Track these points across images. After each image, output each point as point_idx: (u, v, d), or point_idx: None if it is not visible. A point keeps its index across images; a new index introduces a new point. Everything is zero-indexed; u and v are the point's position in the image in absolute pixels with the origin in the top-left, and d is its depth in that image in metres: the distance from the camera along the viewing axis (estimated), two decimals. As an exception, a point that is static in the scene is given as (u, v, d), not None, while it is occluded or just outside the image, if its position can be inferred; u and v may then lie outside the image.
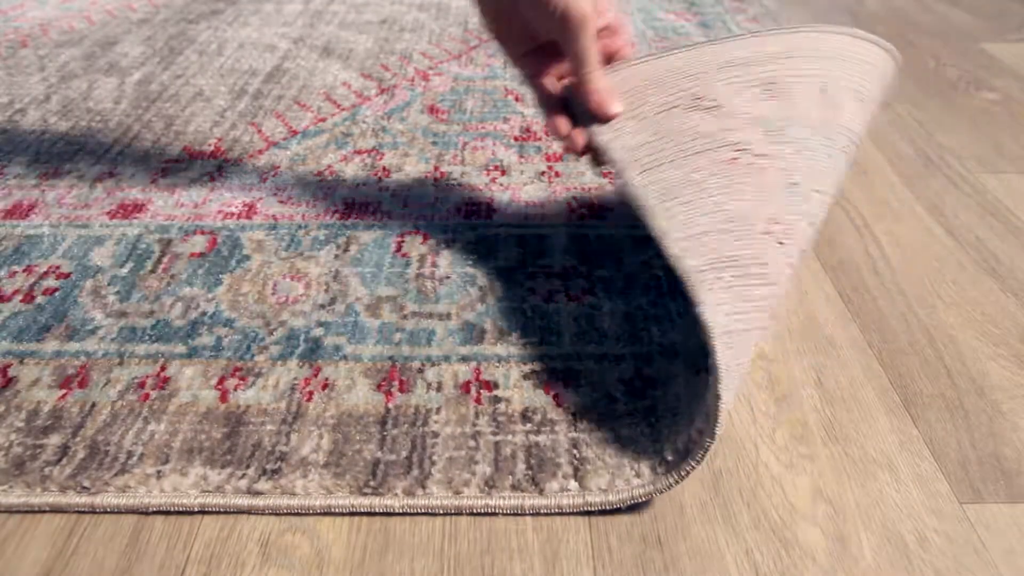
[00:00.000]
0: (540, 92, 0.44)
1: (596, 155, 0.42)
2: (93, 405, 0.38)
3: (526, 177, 0.57)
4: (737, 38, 0.44)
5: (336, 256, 0.48)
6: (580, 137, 0.41)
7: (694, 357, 0.40)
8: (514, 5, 0.40)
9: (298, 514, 0.33)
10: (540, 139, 0.63)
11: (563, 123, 0.42)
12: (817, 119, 0.40)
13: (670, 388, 0.38)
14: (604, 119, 0.41)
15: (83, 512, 0.33)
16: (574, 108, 0.42)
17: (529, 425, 0.37)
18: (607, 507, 0.33)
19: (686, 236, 0.35)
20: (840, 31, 0.44)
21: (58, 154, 0.61)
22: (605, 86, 0.41)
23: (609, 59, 0.44)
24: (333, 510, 0.33)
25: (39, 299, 0.45)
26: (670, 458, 0.33)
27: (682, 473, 0.32)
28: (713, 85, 0.41)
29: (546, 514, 0.33)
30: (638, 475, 0.34)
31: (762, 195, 0.36)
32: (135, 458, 0.35)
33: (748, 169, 0.37)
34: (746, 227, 0.35)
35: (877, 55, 0.45)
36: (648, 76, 0.42)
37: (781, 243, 0.35)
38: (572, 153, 0.42)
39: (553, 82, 0.44)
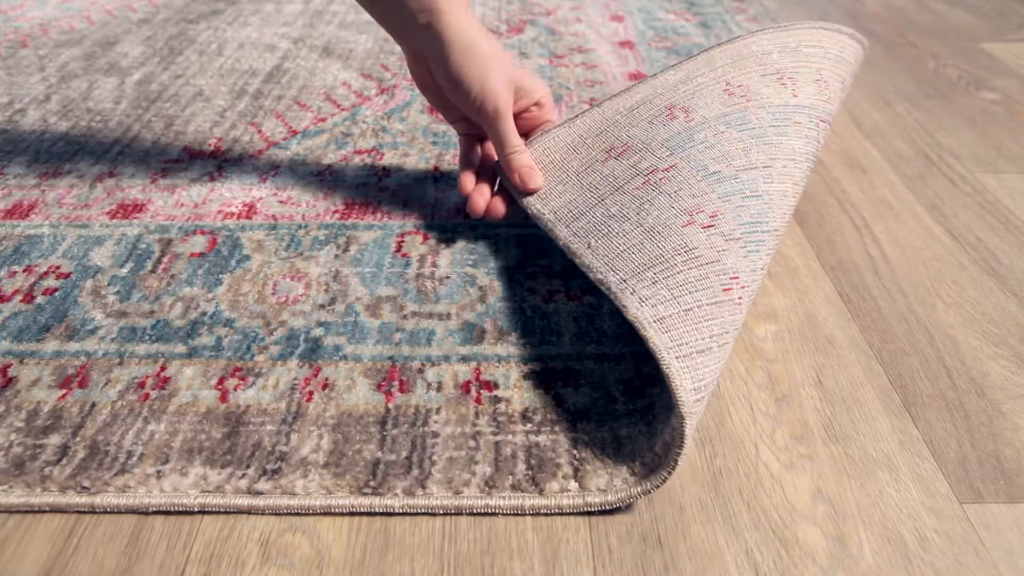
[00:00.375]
0: (463, 151, 0.50)
1: (502, 215, 0.48)
2: (93, 405, 0.38)
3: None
4: (637, 84, 0.50)
5: (336, 256, 0.48)
6: (481, 200, 0.47)
7: None
8: (446, 89, 0.45)
9: (298, 514, 0.33)
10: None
11: (468, 182, 0.48)
12: (725, 112, 0.44)
13: (666, 387, 0.38)
14: (529, 193, 0.46)
15: (83, 512, 0.33)
16: (504, 182, 0.48)
17: (529, 425, 0.37)
18: (606, 507, 0.33)
19: (607, 261, 0.38)
20: (758, 32, 0.50)
21: (58, 154, 0.61)
22: (525, 164, 0.46)
23: (533, 131, 0.50)
24: (333, 510, 0.33)
25: (39, 299, 0.45)
26: (659, 452, 0.33)
27: (670, 464, 0.32)
28: (620, 132, 0.47)
29: (546, 514, 0.33)
30: (634, 473, 0.34)
31: (676, 195, 0.40)
32: (135, 458, 0.35)
33: (659, 182, 0.41)
34: (663, 228, 0.38)
35: (804, 36, 0.50)
36: (567, 143, 0.48)
37: (711, 225, 0.37)
38: (472, 213, 0.48)
39: (477, 151, 0.50)
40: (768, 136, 0.42)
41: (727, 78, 0.47)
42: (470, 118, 0.47)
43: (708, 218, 0.38)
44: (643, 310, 0.34)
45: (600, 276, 0.38)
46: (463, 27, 0.43)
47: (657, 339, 0.33)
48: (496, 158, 0.48)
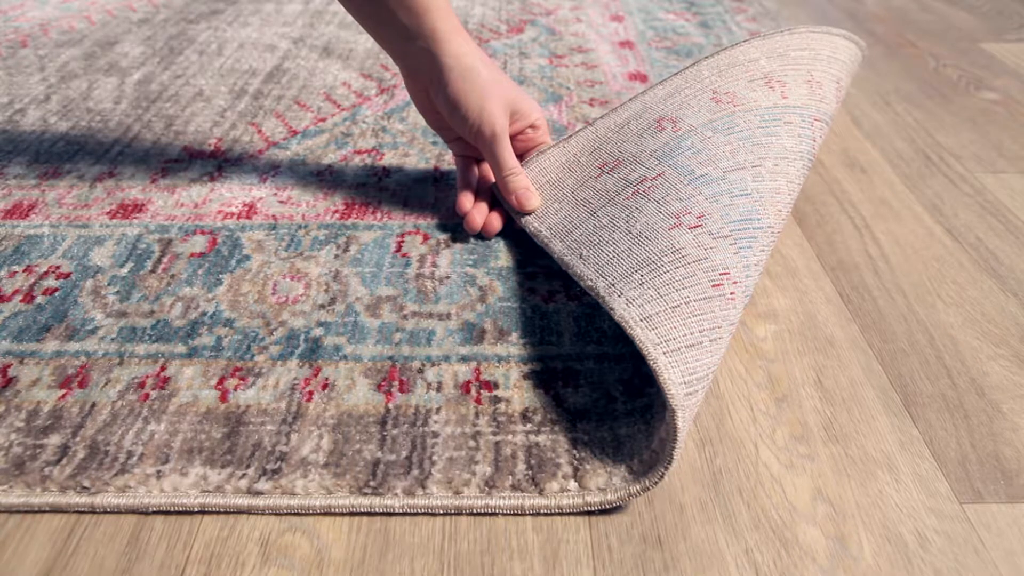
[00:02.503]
0: (460, 171, 0.52)
1: (498, 231, 0.49)
2: (93, 405, 0.38)
3: (526, 177, 0.57)
4: (628, 101, 0.51)
5: (336, 256, 0.48)
6: (479, 217, 0.49)
7: None
8: (443, 110, 0.47)
9: (298, 514, 0.33)
10: (540, 139, 0.63)
11: (467, 202, 0.49)
12: (712, 119, 0.45)
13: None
14: (526, 213, 0.47)
15: (83, 512, 0.33)
16: (502, 203, 0.49)
17: (529, 425, 0.37)
18: (606, 506, 0.33)
19: (597, 269, 0.39)
20: (741, 43, 0.51)
21: (58, 154, 0.61)
22: (521, 186, 0.47)
23: (528, 152, 0.51)
24: (333, 510, 0.33)
25: (39, 299, 0.45)
26: (656, 448, 0.33)
27: (666, 460, 0.32)
28: (612, 148, 0.48)
29: (546, 514, 0.33)
30: (632, 471, 0.34)
31: (663, 200, 0.41)
32: (135, 458, 0.35)
33: (647, 191, 0.42)
34: (651, 233, 0.39)
35: (793, 40, 0.51)
36: (561, 162, 0.50)
37: (698, 226, 0.38)
38: (469, 230, 0.49)
39: (474, 172, 0.52)
40: (756, 137, 0.43)
41: (714, 87, 0.48)
42: (467, 140, 0.48)
43: (695, 219, 0.38)
44: (630, 310, 0.35)
45: (590, 283, 0.38)
46: (461, 53, 0.44)
47: (643, 336, 0.33)
48: (493, 179, 0.49)
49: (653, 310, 0.34)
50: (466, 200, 0.49)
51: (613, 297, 0.36)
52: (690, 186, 0.41)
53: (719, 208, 0.39)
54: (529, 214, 0.47)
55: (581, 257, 0.41)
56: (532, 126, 0.50)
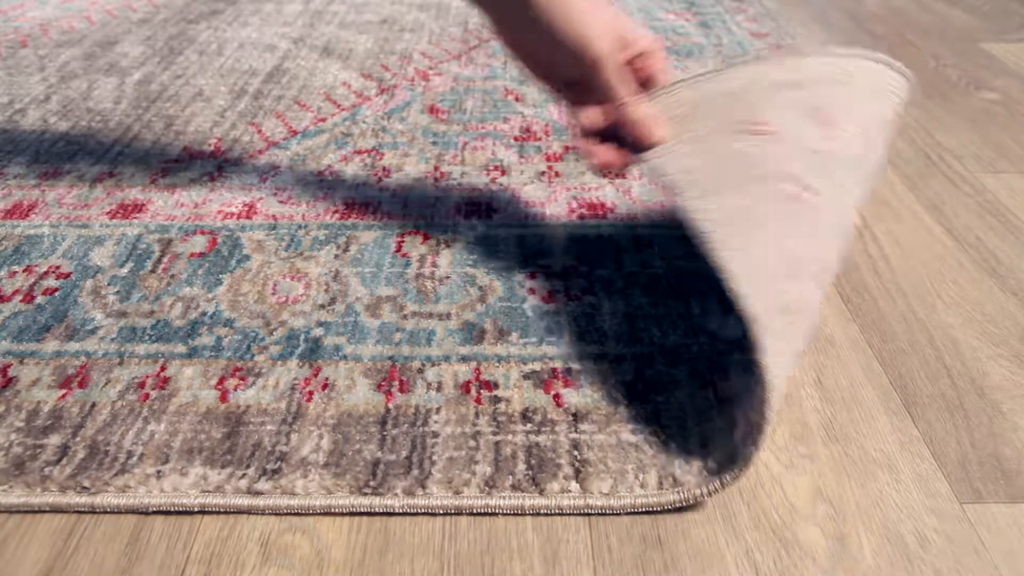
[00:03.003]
0: (575, 119, 0.44)
1: (622, 165, 0.42)
2: (93, 405, 0.38)
3: (526, 177, 0.57)
4: (770, 60, 0.44)
5: (336, 256, 0.48)
6: (602, 153, 0.41)
7: (694, 363, 0.40)
8: (539, 50, 0.41)
9: (298, 514, 0.33)
10: (540, 139, 0.63)
11: (586, 143, 0.42)
12: (853, 156, 0.40)
13: (673, 395, 0.38)
14: (649, 146, 0.40)
15: (83, 512, 0.33)
16: (623, 138, 0.42)
17: (529, 425, 0.37)
18: (608, 512, 0.33)
19: (748, 275, 0.33)
20: (867, 56, 0.44)
21: (58, 154, 0.61)
22: (644, 114, 0.41)
23: (645, 83, 0.43)
24: (333, 510, 0.33)
25: (39, 299, 0.45)
26: (674, 473, 0.34)
27: (710, 491, 0.32)
28: (758, 107, 0.40)
29: (546, 514, 0.33)
30: (643, 485, 0.33)
31: (815, 236, 0.36)
32: (135, 458, 0.35)
33: (807, 208, 0.36)
34: (799, 269, 0.34)
35: (898, 82, 0.45)
36: (690, 102, 0.42)
37: (818, 282, 0.35)
38: (594, 166, 0.42)
39: (589, 115, 0.43)
40: (860, 191, 0.40)
41: (866, 115, 0.42)
42: (573, 77, 0.42)
43: (821, 273, 0.35)
44: (775, 363, 0.31)
45: (740, 291, 0.32)
46: None
47: (774, 400, 0.30)
48: (607, 121, 0.43)
49: (779, 371, 0.31)
50: (586, 142, 0.43)
51: (763, 337, 0.31)
52: (829, 233, 0.37)
53: (831, 267, 0.36)
54: (653, 147, 0.40)
55: (730, 247, 0.34)
56: (643, 54, 0.42)
